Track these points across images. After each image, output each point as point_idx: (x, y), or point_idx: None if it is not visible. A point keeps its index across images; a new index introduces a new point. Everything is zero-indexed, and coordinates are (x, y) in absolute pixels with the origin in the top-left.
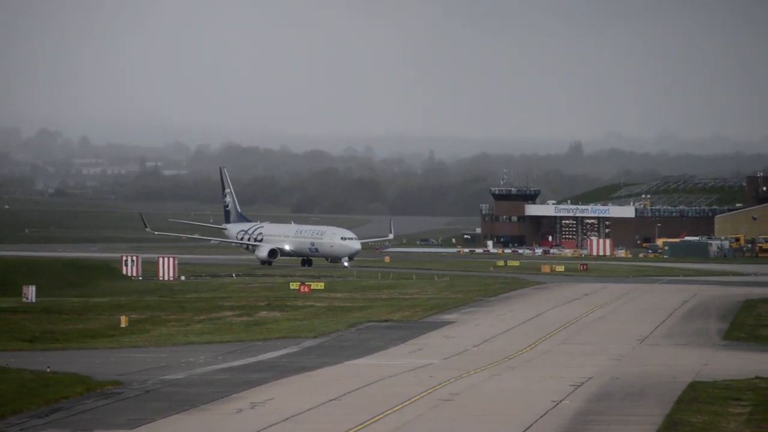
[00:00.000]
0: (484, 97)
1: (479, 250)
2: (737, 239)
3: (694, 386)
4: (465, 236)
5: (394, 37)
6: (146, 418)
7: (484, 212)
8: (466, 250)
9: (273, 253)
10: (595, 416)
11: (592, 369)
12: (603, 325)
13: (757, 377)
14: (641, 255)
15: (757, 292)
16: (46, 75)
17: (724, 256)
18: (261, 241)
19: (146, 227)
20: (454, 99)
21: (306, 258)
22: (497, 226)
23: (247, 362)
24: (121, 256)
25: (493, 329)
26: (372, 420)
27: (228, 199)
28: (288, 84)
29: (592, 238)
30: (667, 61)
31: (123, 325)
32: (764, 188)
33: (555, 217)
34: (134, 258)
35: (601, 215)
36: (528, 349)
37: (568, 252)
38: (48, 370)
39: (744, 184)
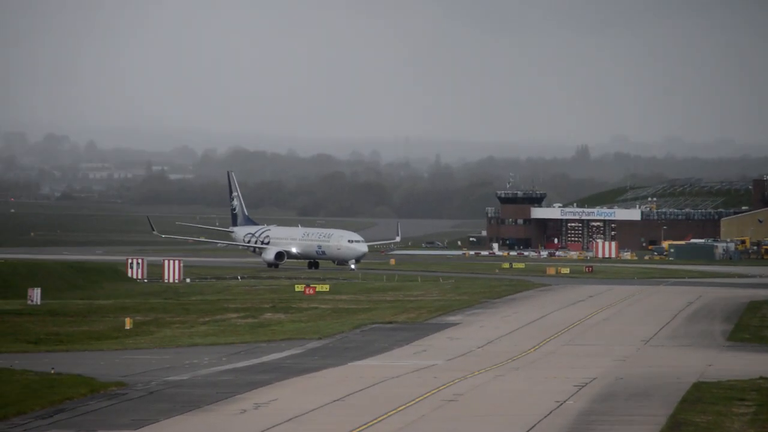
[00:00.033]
0: (491, 101)
1: (485, 253)
2: (743, 241)
3: (698, 387)
4: (471, 239)
5: (400, 41)
6: (150, 418)
7: (489, 215)
8: (472, 252)
9: (280, 255)
10: (599, 416)
11: (596, 370)
12: (607, 327)
13: (761, 378)
14: (647, 257)
15: (762, 293)
16: (52, 81)
17: (729, 259)
18: (268, 244)
19: (153, 230)
20: (461, 103)
21: (313, 261)
22: (503, 229)
23: (252, 363)
24: (127, 259)
25: (497, 331)
26: (376, 420)
27: (235, 202)
28: (295, 89)
29: (598, 240)
30: (672, 65)
31: (127, 327)
32: None
33: (561, 219)
34: (139, 261)
35: (607, 218)
36: (532, 350)
37: (573, 254)
38: (52, 372)
39: (750, 187)
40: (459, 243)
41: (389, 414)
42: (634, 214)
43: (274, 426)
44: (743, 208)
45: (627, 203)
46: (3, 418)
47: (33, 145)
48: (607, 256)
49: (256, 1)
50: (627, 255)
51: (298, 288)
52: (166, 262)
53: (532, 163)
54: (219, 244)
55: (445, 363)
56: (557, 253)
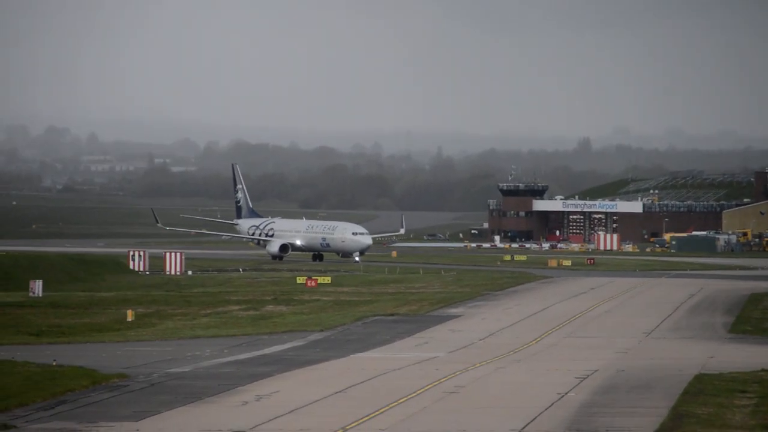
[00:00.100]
0: (492, 94)
1: (486, 245)
2: (745, 234)
3: (700, 379)
4: (472, 231)
5: (401, 37)
6: (152, 410)
7: (491, 207)
8: (473, 244)
9: (284, 248)
10: (600, 408)
11: (597, 362)
12: (609, 319)
13: (763, 370)
14: (648, 249)
15: (763, 286)
16: (53, 74)
17: (731, 251)
18: (272, 236)
19: (157, 222)
20: (463, 96)
21: (317, 253)
22: (505, 221)
23: (253, 355)
24: (129, 251)
25: (499, 323)
26: (377, 412)
27: (240, 195)
28: (297, 82)
29: (600, 232)
30: (673, 58)
31: (129, 319)
32: None
33: (563, 212)
34: (141, 253)
35: (608, 210)
36: (534, 342)
37: (575, 247)
38: (54, 364)
39: (752, 179)
40: (461, 235)
41: (391, 406)
42: (635, 206)
43: (275, 418)
44: (745, 200)
45: (629, 195)
46: (5, 409)
47: (34, 137)
48: (608, 248)
49: None
50: (629, 247)
51: (300, 280)
52: (168, 254)
53: (534, 156)
54: (223, 237)
55: (447, 355)
56: (559, 245)
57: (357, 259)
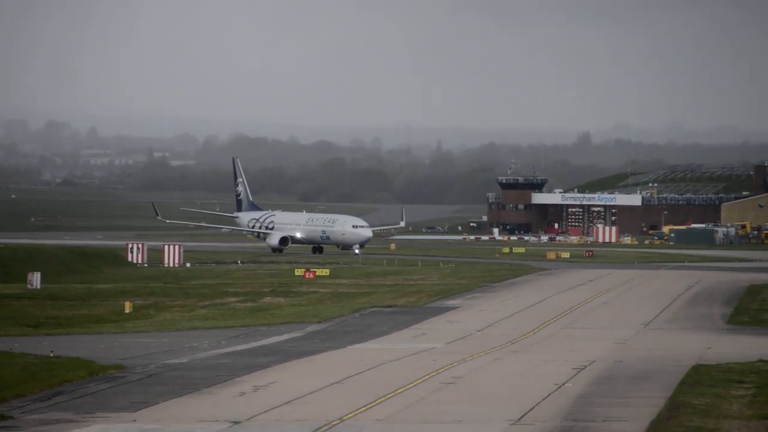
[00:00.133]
0: (492, 88)
1: (485, 238)
2: (743, 226)
3: (697, 369)
4: (471, 224)
5: (400, 30)
6: (149, 401)
7: (490, 200)
8: (472, 237)
9: (284, 240)
10: (597, 399)
11: (595, 353)
12: (607, 310)
13: (760, 360)
14: (647, 242)
15: (762, 277)
16: (53, 68)
17: (730, 243)
18: (272, 229)
19: (158, 215)
20: (462, 90)
21: (317, 246)
22: (503, 214)
23: (251, 347)
24: (127, 244)
25: (496, 314)
26: (375, 403)
27: (240, 188)
28: (296, 76)
29: (598, 225)
30: (673, 53)
31: (127, 310)
32: None
33: (562, 205)
34: (140, 245)
35: (607, 203)
36: (531, 333)
37: (573, 239)
38: (51, 355)
39: (751, 173)
40: (459, 228)
41: (388, 396)
42: (634, 199)
43: (272, 408)
44: (744, 193)
45: (628, 189)
46: (2, 400)
47: (34, 132)
48: (607, 240)
49: None
50: (627, 240)
51: (298, 272)
52: (166, 246)
53: (534, 150)
54: (223, 230)
55: (444, 346)
56: (558, 237)
57: (357, 251)
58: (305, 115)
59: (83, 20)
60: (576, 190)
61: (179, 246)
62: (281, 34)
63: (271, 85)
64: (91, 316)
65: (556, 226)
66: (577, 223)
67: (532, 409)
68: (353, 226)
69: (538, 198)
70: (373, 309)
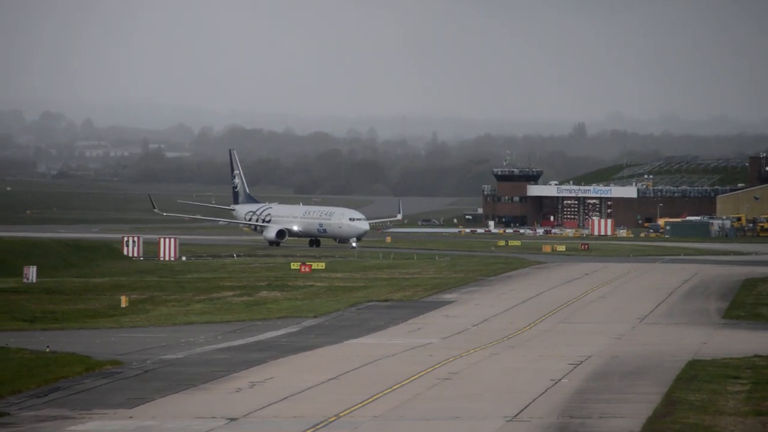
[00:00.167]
0: (487, 79)
1: (481, 230)
2: (739, 219)
3: (693, 365)
4: (467, 216)
5: (396, 20)
6: (145, 397)
7: (486, 192)
8: (468, 230)
9: (281, 233)
10: (593, 395)
11: (591, 348)
12: (603, 305)
13: (756, 355)
14: (642, 235)
15: (757, 271)
16: (48, 59)
17: (725, 236)
18: (269, 222)
19: (154, 208)
20: (457, 81)
21: (314, 239)
22: (499, 207)
23: (247, 342)
24: (123, 237)
25: (493, 309)
26: (371, 399)
27: (237, 180)
28: (291, 67)
29: (594, 218)
30: (668, 43)
31: (123, 305)
32: (766, 168)
33: (557, 197)
34: (135, 238)
35: (603, 195)
36: (527, 328)
37: (569, 232)
38: (47, 350)
39: (746, 164)
40: (455, 221)
41: (385, 392)
42: (630, 191)
43: (269, 404)
44: (739, 185)
45: (623, 181)
46: None
47: (29, 123)
48: (603, 233)
49: None
50: (623, 232)
51: (294, 266)
52: (162, 240)
53: (529, 141)
54: (220, 222)
55: (441, 341)
56: (553, 230)
57: (354, 245)
58: (301, 106)
59: (78, 11)
60: (571, 182)
61: (175, 239)
62: (276, 25)
63: (267, 76)
64: (87, 310)
65: (552, 218)
66: (572, 216)
67: (528, 405)
68: (350, 219)
69: (534, 190)
70: (370, 303)
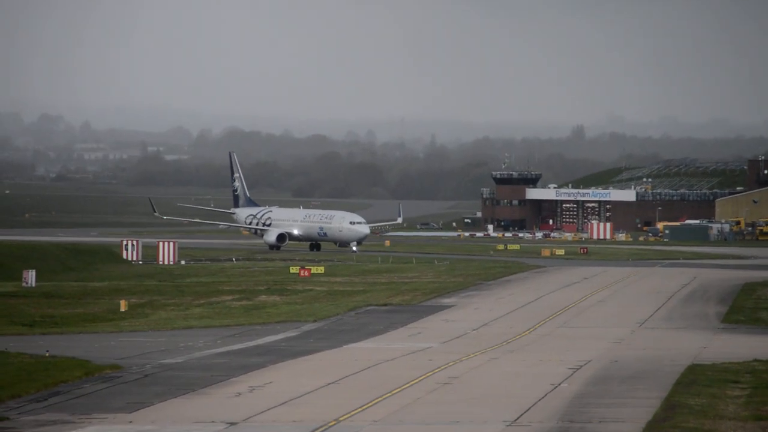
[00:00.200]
0: (486, 81)
1: (479, 234)
2: (738, 222)
3: (692, 369)
4: (465, 220)
5: (395, 22)
6: (145, 401)
7: (484, 196)
8: (467, 233)
9: (281, 237)
10: (593, 399)
11: (591, 352)
12: (602, 309)
13: (755, 360)
14: (641, 238)
15: (756, 275)
16: (47, 61)
17: (724, 240)
18: (269, 225)
19: (155, 212)
20: (456, 84)
21: (315, 242)
22: (498, 210)
23: (246, 346)
24: (122, 241)
25: (492, 313)
26: (371, 403)
27: (237, 183)
28: (290, 69)
29: (593, 221)
30: (668, 46)
31: (122, 309)
32: (765, 172)
33: (556, 200)
34: (134, 242)
35: (602, 199)
36: (527, 332)
37: (568, 236)
38: (47, 355)
39: (745, 167)
40: (454, 224)
41: (384, 397)
42: (629, 195)
43: (269, 409)
44: (738, 188)
45: (622, 184)
46: None
47: (28, 125)
48: (602, 237)
49: None
50: (622, 236)
51: (293, 270)
52: (161, 243)
53: (528, 144)
54: (220, 226)
55: (440, 345)
56: (552, 234)
57: (354, 248)
58: (299, 108)
59: (77, 14)
60: (570, 185)
61: (174, 243)
62: (275, 28)
63: (265, 79)
64: (86, 314)
65: (551, 222)
66: (571, 220)
67: (528, 409)
68: (351, 223)
69: (533, 193)
70: (369, 307)
